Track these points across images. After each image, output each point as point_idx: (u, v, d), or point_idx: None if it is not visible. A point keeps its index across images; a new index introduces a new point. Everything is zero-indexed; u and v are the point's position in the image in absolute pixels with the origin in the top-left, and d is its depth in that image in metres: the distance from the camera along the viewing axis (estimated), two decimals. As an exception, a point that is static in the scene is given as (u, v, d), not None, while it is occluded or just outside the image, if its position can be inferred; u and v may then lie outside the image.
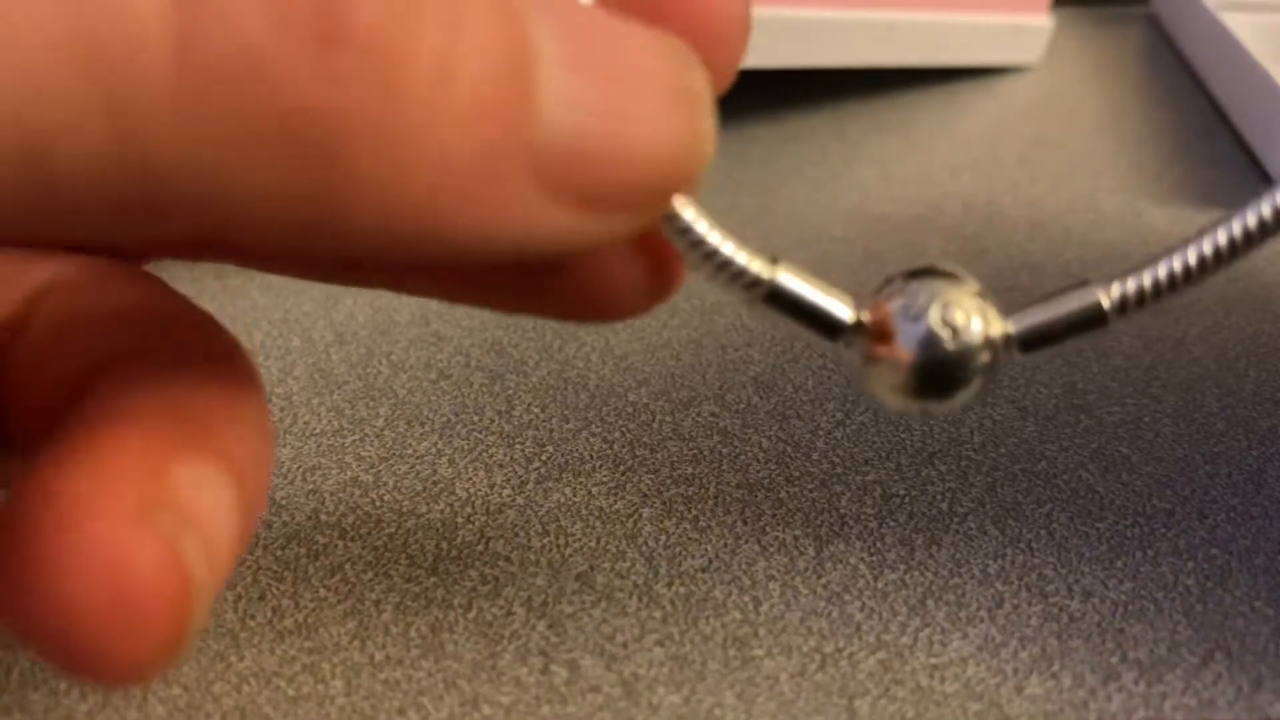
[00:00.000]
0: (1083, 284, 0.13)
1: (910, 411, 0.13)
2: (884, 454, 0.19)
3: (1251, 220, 0.12)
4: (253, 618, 0.16)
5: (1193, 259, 0.13)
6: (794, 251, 0.26)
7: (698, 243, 0.12)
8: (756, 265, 0.12)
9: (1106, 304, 0.13)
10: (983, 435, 0.20)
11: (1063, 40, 0.40)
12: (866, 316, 0.13)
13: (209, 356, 0.12)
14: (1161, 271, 0.13)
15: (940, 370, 0.12)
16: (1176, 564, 0.17)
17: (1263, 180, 0.29)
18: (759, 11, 0.28)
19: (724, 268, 0.12)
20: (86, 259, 0.13)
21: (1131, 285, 0.13)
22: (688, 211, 0.12)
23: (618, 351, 0.22)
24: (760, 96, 0.34)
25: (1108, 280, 0.13)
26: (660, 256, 0.13)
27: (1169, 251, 0.13)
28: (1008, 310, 0.13)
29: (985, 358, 0.13)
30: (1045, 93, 0.36)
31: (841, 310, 0.13)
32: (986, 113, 0.34)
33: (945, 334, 0.12)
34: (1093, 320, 0.13)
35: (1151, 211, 0.28)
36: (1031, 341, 0.13)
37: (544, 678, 0.15)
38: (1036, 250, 0.26)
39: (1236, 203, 0.29)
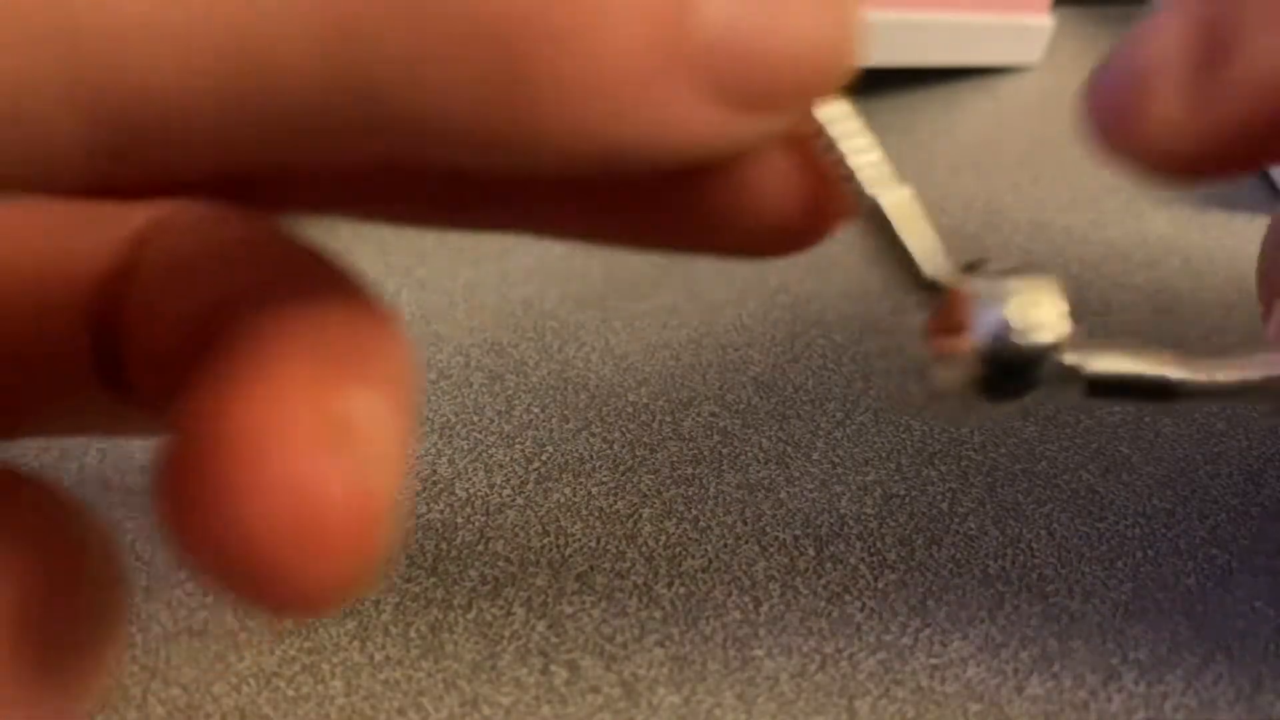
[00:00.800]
0: (1160, 353, 0.12)
1: (946, 400, 0.13)
2: (884, 454, 0.19)
3: None
4: (253, 618, 0.16)
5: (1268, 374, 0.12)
6: (794, 251, 0.26)
7: (830, 146, 0.12)
8: (881, 184, 0.12)
9: (1177, 379, 0.12)
10: (983, 435, 0.20)
11: (1063, 40, 0.40)
12: (949, 285, 0.12)
13: (341, 288, 0.12)
14: (1240, 374, 0.12)
15: (998, 364, 0.12)
16: (1177, 564, 0.17)
17: (1262, 181, 0.29)
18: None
19: (849, 179, 0.12)
20: (185, 202, 0.13)
21: (1205, 376, 0.12)
22: (833, 118, 0.12)
23: (618, 351, 0.22)
24: (760, 96, 0.34)
25: (1191, 362, 0.12)
26: (813, 183, 0.13)
27: (1253, 355, 0.12)
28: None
29: (1046, 372, 0.12)
30: (1046, 93, 0.36)
31: (932, 266, 0.12)
32: (987, 113, 0.34)
33: (1018, 331, 0.12)
34: (1158, 393, 0.12)
35: (1151, 212, 0.28)
36: (1096, 385, 0.12)
37: (544, 678, 0.15)
38: (1037, 250, 0.26)
39: (1236, 204, 0.29)
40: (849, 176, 0.12)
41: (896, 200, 0.12)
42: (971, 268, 0.12)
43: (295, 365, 0.10)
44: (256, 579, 0.09)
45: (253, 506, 0.09)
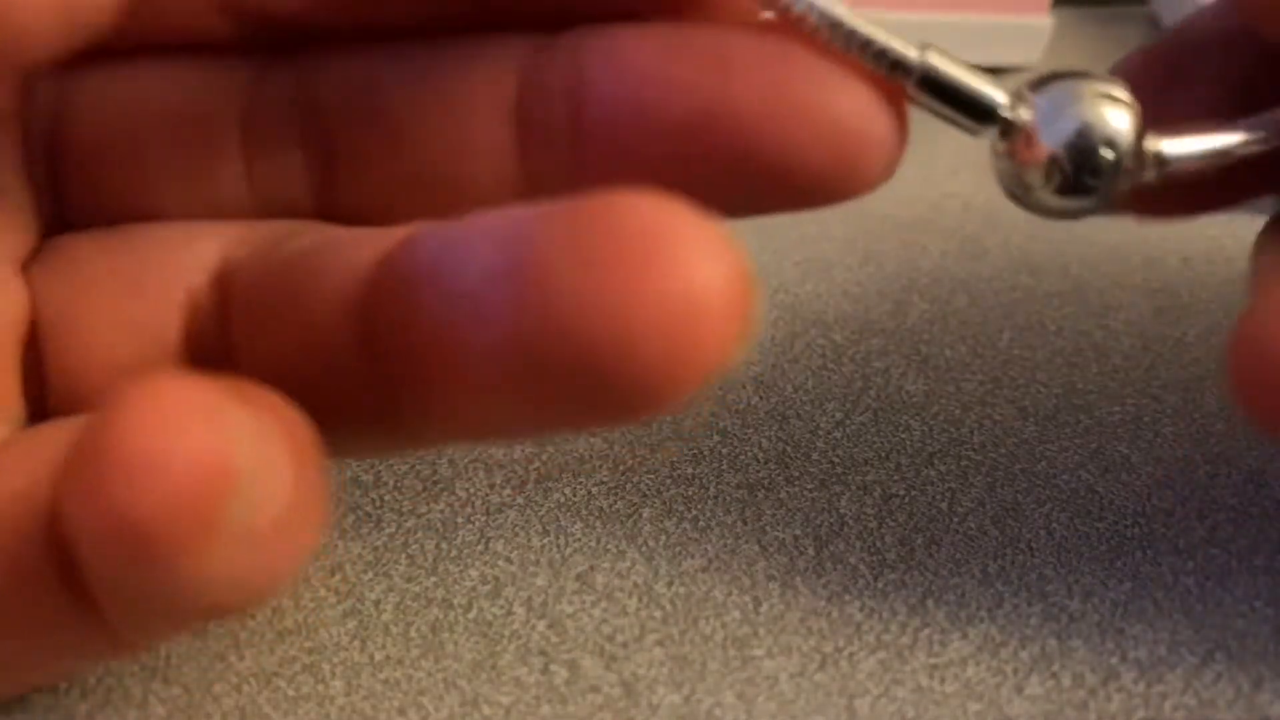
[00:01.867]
0: (1226, 121, 0.14)
1: (1047, 206, 0.13)
2: (884, 454, 0.19)
3: None
4: (252, 618, 0.16)
5: None
6: (794, 251, 0.26)
7: (848, 31, 0.12)
8: (911, 53, 0.13)
9: (1238, 140, 0.13)
10: (982, 435, 0.20)
11: (1063, 40, 0.40)
12: (1021, 112, 0.13)
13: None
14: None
15: (1083, 164, 0.13)
16: (1176, 564, 0.17)
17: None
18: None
19: (876, 54, 0.12)
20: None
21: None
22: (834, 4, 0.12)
23: (618, 351, 0.22)
24: (760, 96, 0.34)
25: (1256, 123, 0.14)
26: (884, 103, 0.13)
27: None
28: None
29: (1128, 162, 0.13)
30: (1045, 93, 0.36)
31: (995, 94, 0.13)
32: (986, 113, 0.34)
33: (1094, 131, 0.13)
34: (1222, 155, 0.14)
35: (1151, 211, 0.28)
36: (1168, 161, 0.13)
37: (544, 677, 0.15)
38: (1036, 250, 0.26)
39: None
40: (877, 52, 0.12)
41: (934, 55, 0.13)
42: (1034, 84, 0.13)
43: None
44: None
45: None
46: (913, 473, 0.19)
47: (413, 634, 0.16)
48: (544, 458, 0.19)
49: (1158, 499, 0.18)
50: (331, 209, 0.14)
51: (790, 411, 0.20)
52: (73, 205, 0.15)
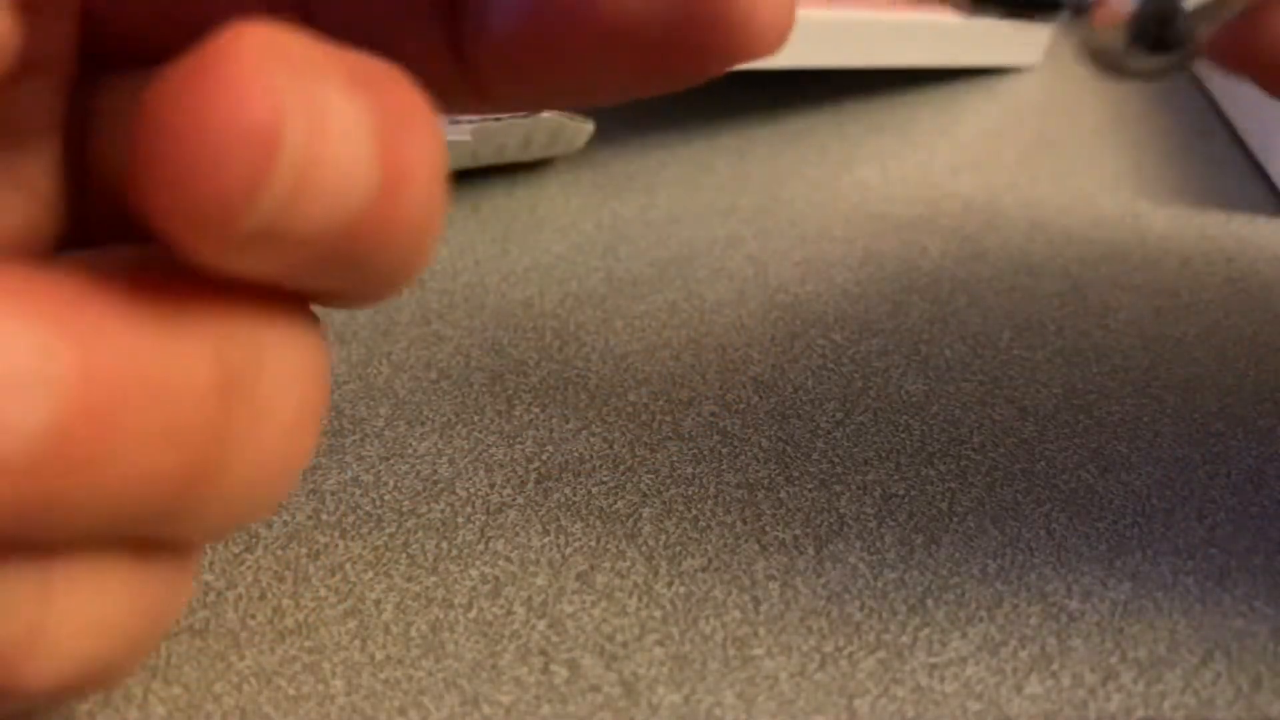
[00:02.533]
0: None
1: (1138, 69, 0.14)
2: (883, 454, 0.19)
3: None
4: (253, 617, 0.16)
5: None
6: (794, 251, 0.26)
7: None
8: None
9: None
10: (982, 435, 0.20)
11: (1063, 41, 0.40)
12: None
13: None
14: None
15: (1159, 18, 0.13)
16: (1176, 564, 0.17)
17: (1262, 181, 0.29)
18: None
19: None
20: None
21: None
22: None
23: (618, 351, 0.22)
24: (760, 96, 0.34)
25: None
26: None
27: None
28: None
29: (1196, 5, 0.13)
30: (1045, 94, 0.36)
31: None
32: (986, 113, 0.34)
33: None
34: None
35: (1151, 212, 0.28)
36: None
37: (544, 677, 0.15)
38: (1036, 250, 0.26)
39: (1235, 204, 0.29)
40: None
41: None
42: None
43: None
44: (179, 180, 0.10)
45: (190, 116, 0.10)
46: (912, 472, 0.19)
47: (413, 633, 0.16)
48: (544, 457, 0.19)
49: (1157, 499, 0.18)
50: None
51: (790, 411, 0.20)
52: (97, 214, 0.15)
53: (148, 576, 0.13)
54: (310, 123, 0.10)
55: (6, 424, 0.10)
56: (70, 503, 0.11)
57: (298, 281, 0.12)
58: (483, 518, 0.18)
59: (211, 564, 0.17)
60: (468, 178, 0.29)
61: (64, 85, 0.14)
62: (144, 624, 0.13)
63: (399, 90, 0.12)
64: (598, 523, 0.18)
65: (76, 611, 0.12)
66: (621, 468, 0.19)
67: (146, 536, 0.12)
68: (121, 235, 0.15)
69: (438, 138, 0.12)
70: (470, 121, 0.27)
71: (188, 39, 0.14)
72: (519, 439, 0.20)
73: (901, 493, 0.18)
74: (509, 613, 0.16)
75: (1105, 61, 0.14)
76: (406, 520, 0.18)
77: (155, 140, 0.10)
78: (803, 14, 0.30)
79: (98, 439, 0.11)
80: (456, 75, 0.14)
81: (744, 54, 0.13)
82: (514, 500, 0.18)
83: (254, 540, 0.17)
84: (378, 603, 0.16)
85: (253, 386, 0.12)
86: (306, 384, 0.13)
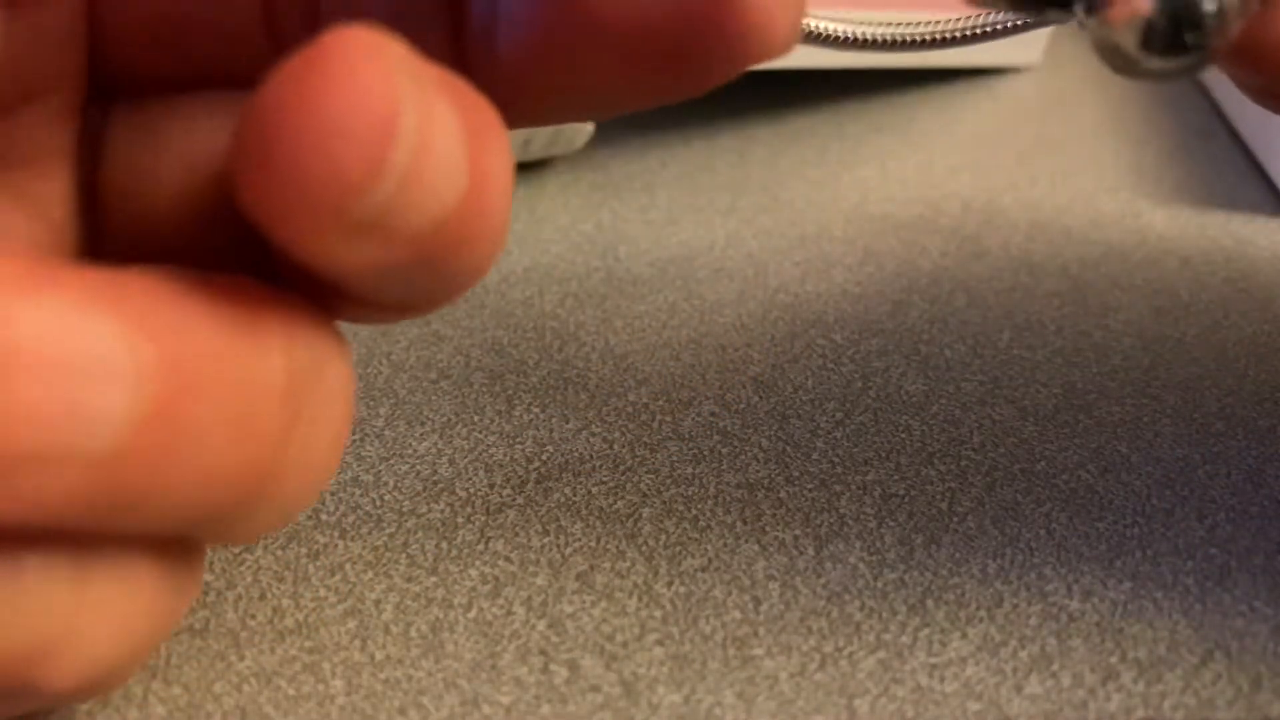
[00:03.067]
0: None
1: (1153, 71, 0.13)
2: (884, 454, 0.19)
3: None
4: (253, 617, 0.16)
5: None
6: (794, 251, 0.26)
7: None
8: None
9: None
10: (982, 435, 0.20)
11: (1063, 41, 0.40)
12: None
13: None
14: None
15: (1176, 20, 0.13)
16: (1176, 564, 0.17)
17: (1262, 181, 0.29)
18: None
19: None
20: None
21: None
22: None
23: (618, 351, 0.22)
24: (760, 96, 0.34)
25: None
26: None
27: None
28: None
29: (1216, 9, 0.13)
30: (1045, 93, 0.36)
31: None
32: (986, 113, 0.34)
33: None
34: None
35: (1151, 212, 0.28)
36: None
37: (544, 677, 0.15)
38: (1036, 250, 0.26)
39: (1236, 203, 0.29)
40: None
41: None
42: None
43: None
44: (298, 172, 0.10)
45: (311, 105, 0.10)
46: (912, 472, 0.19)
47: (413, 634, 0.16)
48: (544, 457, 0.19)
49: (1157, 499, 0.18)
50: None
51: (790, 411, 0.20)
52: (110, 241, 0.15)
53: (166, 577, 0.13)
54: (420, 115, 0.11)
55: (91, 413, 0.10)
56: (143, 496, 0.11)
57: (380, 281, 0.12)
58: (482, 518, 0.18)
59: (212, 564, 0.17)
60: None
61: (73, 111, 0.14)
62: (157, 625, 0.13)
63: (478, 101, 0.12)
64: (597, 523, 0.18)
65: (108, 612, 0.12)
66: (621, 468, 0.19)
67: (192, 536, 0.12)
68: (134, 260, 0.15)
69: (509, 150, 0.12)
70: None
71: (197, 66, 0.14)
72: (519, 439, 0.20)
73: (901, 493, 0.18)
74: (509, 613, 0.16)
75: (1118, 60, 0.13)
76: (406, 520, 0.18)
77: (272, 129, 0.10)
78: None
79: (176, 432, 0.11)
80: None
81: (757, 57, 0.13)
82: (514, 500, 0.18)
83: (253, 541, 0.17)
84: (377, 603, 0.16)
85: (312, 394, 0.12)
86: (348, 398, 0.13)
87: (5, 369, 0.10)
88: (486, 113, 0.12)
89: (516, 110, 0.14)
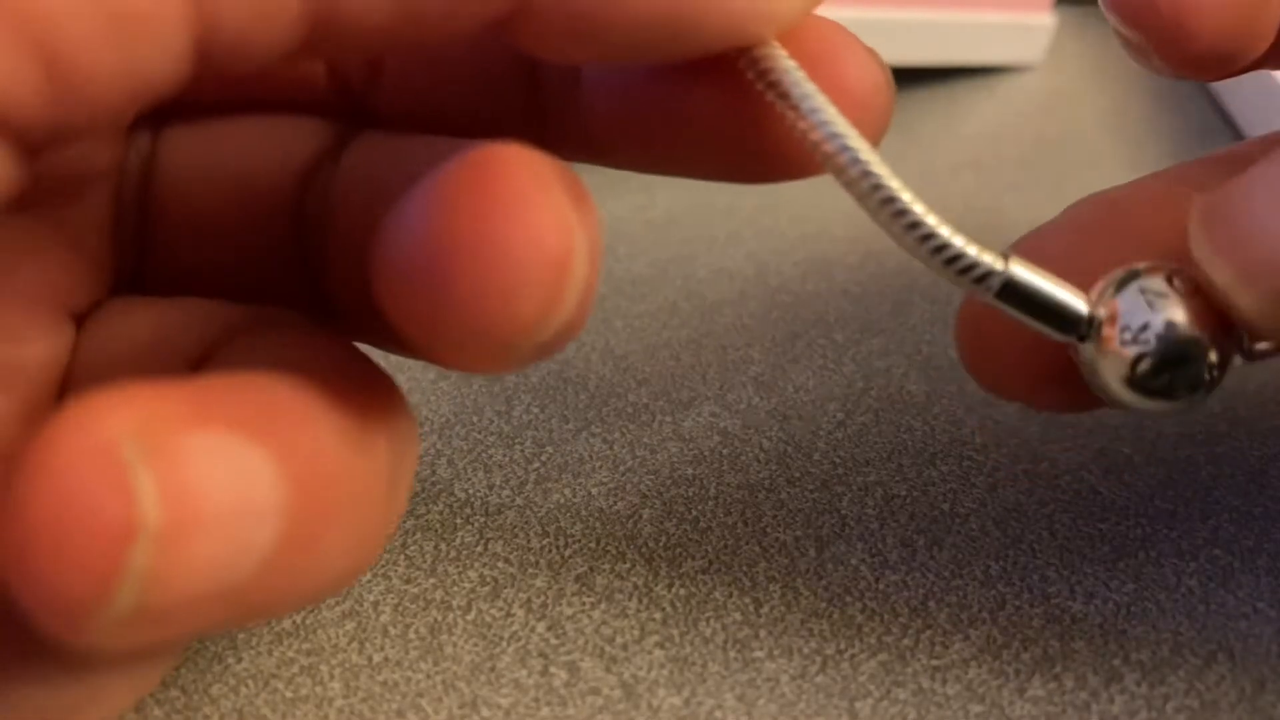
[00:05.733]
0: None
1: (1139, 407, 0.13)
2: (885, 455, 0.19)
3: None
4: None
5: None
6: (794, 251, 0.26)
7: (924, 235, 0.12)
8: (988, 259, 0.12)
9: None
10: (984, 436, 0.20)
11: (1065, 39, 0.40)
12: (1101, 311, 0.13)
13: (342, 372, 0.12)
14: None
15: (1171, 368, 0.13)
16: (1179, 565, 0.17)
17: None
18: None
19: (952, 259, 0.12)
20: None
21: None
22: (895, 188, 0.12)
23: (618, 351, 0.22)
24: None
25: None
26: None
27: None
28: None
29: (1214, 359, 0.13)
30: (1047, 92, 0.36)
31: (1079, 305, 0.13)
32: (988, 112, 0.34)
33: (1177, 333, 0.12)
34: None
35: (1153, 211, 0.28)
36: (1255, 354, 0.13)
37: (543, 680, 0.15)
38: (1038, 250, 0.26)
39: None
40: (952, 257, 0.12)
41: (1018, 265, 0.12)
42: (1109, 284, 0.13)
43: (163, 394, 0.10)
44: (31, 583, 0.09)
45: (32, 511, 0.09)
46: (915, 473, 0.19)
47: (411, 636, 0.16)
48: (543, 458, 0.19)
49: (1160, 500, 0.18)
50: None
51: (791, 412, 0.20)
52: (154, 264, 0.15)
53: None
54: (589, 245, 0.11)
55: (247, 550, 0.10)
56: (265, 611, 0.11)
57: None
58: (481, 519, 0.18)
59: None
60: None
61: (113, 142, 0.14)
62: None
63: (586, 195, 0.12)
64: (597, 524, 0.18)
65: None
66: (621, 468, 0.19)
67: None
68: (182, 285, 0.15)
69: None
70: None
71: (247, 89, 0.14)
72: (518, 439, 0.20)
73: (904, 494, 0.18)
74: (508, 615, 0.16)
75: (1109, 398, 0.13)
76: (405, 521, 0.18)
77: (445, 261, 0.10)
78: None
79: (307, 553, 0.11)
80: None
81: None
82: (513, 501, 0.18)
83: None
84: (376, 604, 0.16)
85: (406, 476, 0.13)
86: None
87: (185, 527, 0.10)
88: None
89: (596, 159, 0.14)
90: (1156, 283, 0.13)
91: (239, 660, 0.15)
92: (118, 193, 0.14)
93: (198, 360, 0.13)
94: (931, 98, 0.35)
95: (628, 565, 0.17)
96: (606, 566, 0.17)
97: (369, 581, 0.17)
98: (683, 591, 0.17)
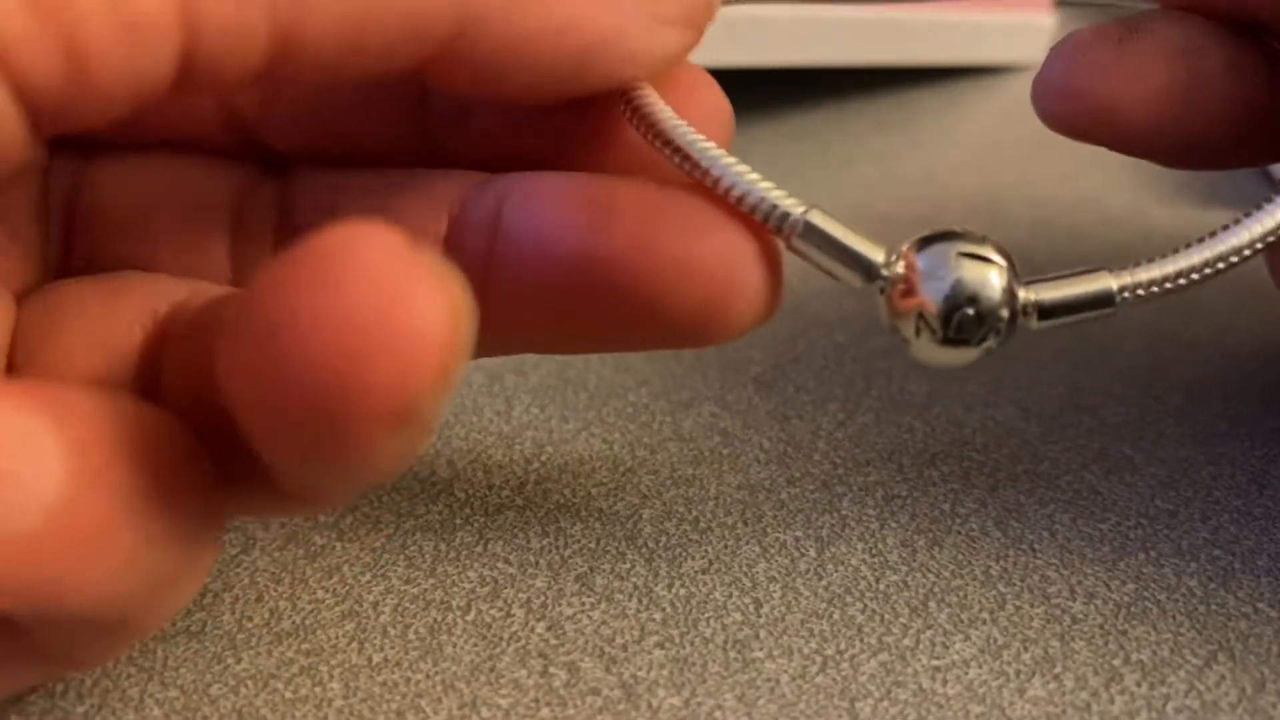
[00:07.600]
0: (1097, 269, 0.14)
1: (926, 358, 0.14)
2: (886, 455, 0.19)
3: (1264, 225, 0.14)
4: (250, 619, 0.16)
5: (1203, 258, 0.14)
6: (795, 251, 0.26)
7: (729, 185, 0.14)
8: (791, 203, 0.14)
9: (1115, 288, 0.14)
10: (985, 436, 0.20)
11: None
12: (897, 264, 0.14)
13: None
14: (1171, 267, 0.14)
15: (962, 320, 0.14)
16: (1179, 565, 0.17)
17: (1264, 181, 0.29)
18: (760, 10, 0.28)
19: (758, 207, 0.14)
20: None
21: (1143, 276, 0.14)
22: (723, 156, 0.14)
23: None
24: (760, 96, 0.34)
25: (1120, 269, 0.14)
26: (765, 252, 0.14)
27: (1183, 247, 0.14)
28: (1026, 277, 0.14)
29: (1004, 314, 0.14)
30: (1047, 92, 0.36)
31: (874, 253, 0.14)
32: (989, 111, 0.34)
33: (968, 287, 0.14)
34: (1102, 303, 0.14)
35: (1155, 211, 0.28)
36: (1046, 310, 0.14)
37: (543, 680, 0.15)
38: (1040, 250, 0.26)
39: (1240, 202, 0.29)
40: (765, 209, 0.14)
41: (815, 212, 0.14)
42: (911, 242, 0.14)
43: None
44: (336, 387, 0.10)
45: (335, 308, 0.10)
46: (915, 474, 0.19)
47: (411, 636, 0.16)
48: (544, 458, 0.19)
49: (1161, 500, 0.18)
50: None
51: (792, 412, 0.20)
52: (79, 259, 0.16)
53: None
54: (462, 324, 0.11)
55: (20, 491, 0.11)
56: (53, 585, 0.11)
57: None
58: (481, 519, 0.18)
59: (208, 566, 0.17)
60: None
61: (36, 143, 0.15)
62: None
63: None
64: (597, 524, 0.18)
65: None
66: (621, 468, 0.19)
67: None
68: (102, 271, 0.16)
69: None
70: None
71: (146, 129, 0.16)
72: (518, 440, 0.20)
73: (904, 494, 0.18)
74: (508, 615, 0.16)
75: (900, 343, 0.14)
76: (404, 522, 0.18)
77: (292, 341, 0.10)
78: (804, 12, 0.30)
79: (91, 517, 0.11)
80: None
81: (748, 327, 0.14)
82: (513, 501, 0.18)
83: (251, 542, 0.17)
84: (375, 605, 0.16)
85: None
86: None
87: None
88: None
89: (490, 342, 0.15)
90: (951, 246, 0.14)
91: (238, 660, 0.15)
92: (46, 193, 0.16)
93: (153, 332, 0.14)
94: (933, 96, 0.35)
95: (627, 565, 0.17)
96: (606, 567, 0.17)
97: (369, 582, 0.17)
98: (683, 591, 0.16)
